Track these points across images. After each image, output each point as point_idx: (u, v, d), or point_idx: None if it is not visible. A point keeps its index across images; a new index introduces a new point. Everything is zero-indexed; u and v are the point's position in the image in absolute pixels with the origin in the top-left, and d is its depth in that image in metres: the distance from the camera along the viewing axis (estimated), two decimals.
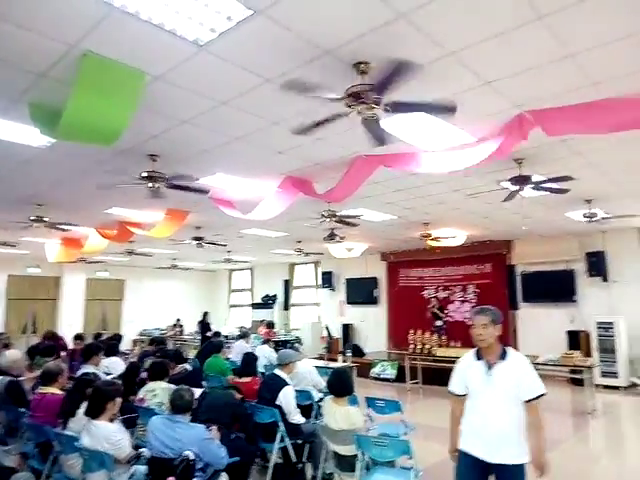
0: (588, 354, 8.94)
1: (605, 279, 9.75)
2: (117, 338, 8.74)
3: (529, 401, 2.71)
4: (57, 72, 3.10)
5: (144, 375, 4.99)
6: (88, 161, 4.96)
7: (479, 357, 2.84)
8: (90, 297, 15.14)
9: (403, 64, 2.74)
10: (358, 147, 4.61)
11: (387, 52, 2.92)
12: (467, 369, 2.88)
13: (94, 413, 3.18)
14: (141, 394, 4.47)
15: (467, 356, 2.94)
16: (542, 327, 10.37)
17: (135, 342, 14.49)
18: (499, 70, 3.24)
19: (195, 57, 2.97)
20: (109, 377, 5.05)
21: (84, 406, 3.31)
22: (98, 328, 13.96)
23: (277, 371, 4.78)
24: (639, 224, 9.18)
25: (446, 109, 3.26)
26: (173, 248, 11.31)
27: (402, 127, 4.05)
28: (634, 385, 8.89)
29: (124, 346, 10.63)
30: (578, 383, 8.38)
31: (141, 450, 3.06)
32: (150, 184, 4.68)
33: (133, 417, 4.35)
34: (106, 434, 3.09)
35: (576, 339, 9.62)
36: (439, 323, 10.87)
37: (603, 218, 7.30)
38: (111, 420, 3.27)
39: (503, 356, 2.77)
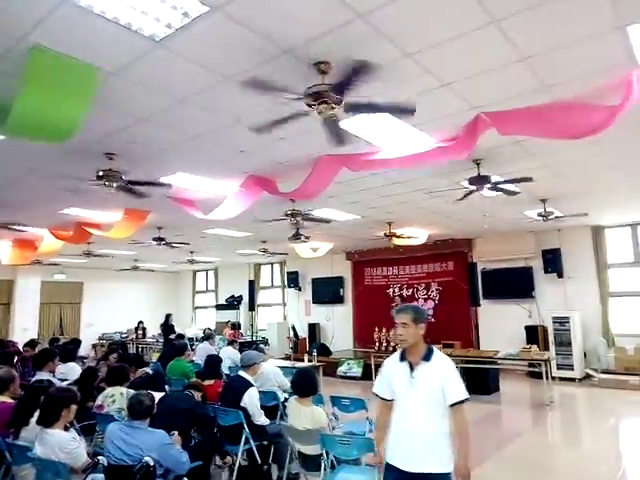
0: (545, 348, 9.29)
1: (560, 275, 10.16)
2: (75, 343, 8.45)
3: (453, 405, 2.51)
4: (4, 66, 2.96)
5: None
6: (40, 160, 4.76)
7: (402, 358, 2.67)
8: (46, 301, 14.54)
9: (363, 64, 2.76)
10: (321, 147, 4.60)
11: (347, 52, 2.93)
12: (391, 371, 2.70)
13: (48, 421, 3.06)
14: (100, 400, 4.33)
15: (392, 356, 2.76)
16: (502, 322, 10.69)
17: (94, 347, 14.04)
18: (456, 72, 3.31)
19: (152, 53, 2.89)
20: (64, 383, 4.87)
21: (37, 414, 3.17)
22: (55, 333, 13.47)
23: (241, 373, 4.72)
24: (592, 222, 9.61)
25: (405, 110, 3.31)
26: (134, 249, 11.02)
27: (363, 127, 4.09)
28: (588, 376, 9.30)
29: (83, 351, 10.30)
30: (536, 376, 8.68)
31: (98, 458, 2.96)
32: (106, 183, 4.54)
33: (91, 424, 4.21)
34: (60, 443, 2.97)
35: (534, 334, 9.97)
36: None
37: (557, 217, 7.59)
38: (66, 428, 3.15)
39: (427, 357, 2.60)
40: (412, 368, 2.59)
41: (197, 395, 4.27)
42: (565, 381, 9.16)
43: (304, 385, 3.85)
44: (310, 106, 3.10)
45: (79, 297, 15.51)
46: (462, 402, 2.51)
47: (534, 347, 8.28)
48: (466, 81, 3.42)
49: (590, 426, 6.96)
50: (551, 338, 9.56)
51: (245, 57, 2.98)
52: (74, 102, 3.00)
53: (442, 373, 2.56)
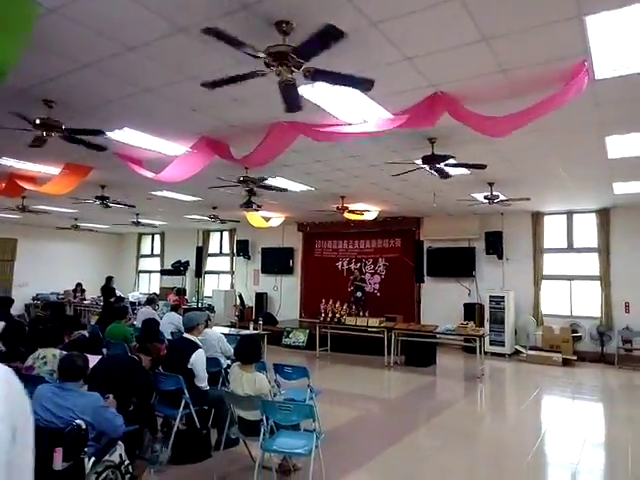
0: (481, 325, 9.78)
1: (500, 257, 10.66)
2: (6, 302, 7.98)
3: None
4: None
5: None
6: None
7: None
8: None
9: (328, 28, 2.66)
10: (279, 112, 4.46)
11: (310, 14, 2.82)
12: None
13: None
14: (29, 361, 4.12)
15: None
16: (443, 299, 11.15)
17: (28, 307, 13.37)
18: (419, 46, 3.27)
19: None
20: None
21: None
22: None
23: (186, 335, 4.67)
24: (532, 208, 10.08)
25: (364, 83, 3.24)
26: (74, 207, 10.43)
27: (320, 95, 4.01)
28: (517, 352, 9.92)
29: (15, 311, 9.76)
30: (471, 351, 9.15)
31: None
32: (43, 133, 4.20)
33: None
34: None
35: (471, 311, 10.48)
36: (359, 294, 11.16)
37: (502, 200, 7.88)
38: None
39: None
40: None
41: (146, 359, 4.11)
42: (496, 356, 9.74)
43: (247, 352, 3.84)
44: (269, 66, 2.98)
45: (12, 254, 14.57)
46: None
47: (471, 323, 8.70)
48: (427, 57, 3.40)
49: (515, 398, 7.47)
50: (487, 316, 10.10)
51: (202, 7, 2.79)
52: (8, 39, 2.71)
53: None
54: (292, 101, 3.43)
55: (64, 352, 3.95)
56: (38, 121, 4.17)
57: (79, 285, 14.23)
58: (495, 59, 3.42)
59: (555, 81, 3.62)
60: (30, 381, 3.87)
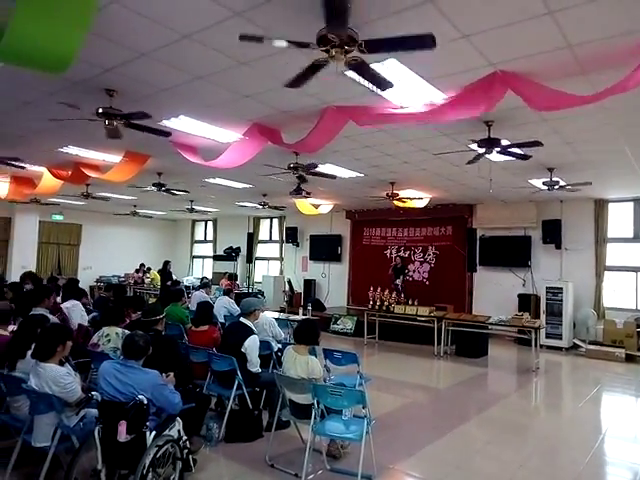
0: (537, 316, 9.40)
1: (558, 246, 10.17)
2: (75, 283, 8.47)
3: None
4: None
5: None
6: (37, 92, 4.57)
7: None
8: (44, 240, 14.59)
9: None
10: (330, 97, 4.45)
11: None
12: None
13: (43, 355, 3.08)
14: (95, 339, 4.38)
15: None
16: (496, 289, 10.79)
17: (92, 289, 14.18)
18: (479, 23, 3.12)
19: None
20: None
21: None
22: (53, 273, 13.58)
23: (243, 319, 4.80)
24: (595, 195, 9.50)
25: (424, 40, 3.02)
26: (133, 194, 10.91)
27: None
28: (575, 346, 9.47)
29: None
30: (524, 343, 8.83)
31: (92, 394, 3.00)
32: (106, 121, 4.39)
33: (87, 361, 4.29)
34: (54, 377, 3.01)
35: (526, 302, 10.08)
36: (398, 281, 11.10)
37: (562, 186, 7.47)
38: (61, 363, 3.19)
39: None
40: None
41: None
42: (552, 350, 9.34)
43: (304, 333, 3.87)
44: (325, 52, 2.93)
45: (77, 239, 15.53)
46: None
47: (526, 314, 8.38)
48: (487, 34, 3.24)
49: (573, 393, 7.14)
50: (543, 307, 9.68)
51: None
52: (71, 29, 2.81)
53: None
54: (374, 79, 3.37)
55: (126, 331, 4.16)
56: (101, 110, 4.35)
57: (142, 265, 14.98)
58: (561, 34, 3.21)
59: (627, 57, 3.36)
60: (95, 357, 4.13)
